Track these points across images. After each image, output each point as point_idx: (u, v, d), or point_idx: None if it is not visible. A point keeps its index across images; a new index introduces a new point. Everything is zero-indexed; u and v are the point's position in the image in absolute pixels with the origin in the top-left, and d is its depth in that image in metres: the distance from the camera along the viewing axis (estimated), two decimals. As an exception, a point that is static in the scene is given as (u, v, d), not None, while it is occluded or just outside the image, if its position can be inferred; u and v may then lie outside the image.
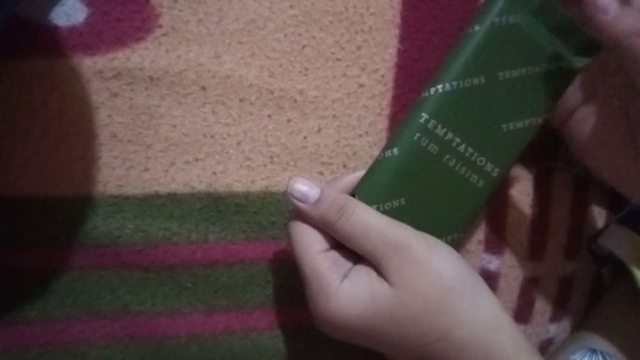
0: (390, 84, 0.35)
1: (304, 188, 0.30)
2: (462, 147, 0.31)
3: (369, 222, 0.29)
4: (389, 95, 0.35)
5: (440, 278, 0.28)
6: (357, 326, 0.28)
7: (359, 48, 0.34)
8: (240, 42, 0.32)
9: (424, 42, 0.35)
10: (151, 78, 0.31)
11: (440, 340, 0.28)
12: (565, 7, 0.31)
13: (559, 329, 0.41)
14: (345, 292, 0.28)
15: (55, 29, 0.30)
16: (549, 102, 0.32)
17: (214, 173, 0.33)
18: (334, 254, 0.30)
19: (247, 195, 0.34)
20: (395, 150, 0.31)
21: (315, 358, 0.36)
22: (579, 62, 0.32)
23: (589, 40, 0.31)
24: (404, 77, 0.35)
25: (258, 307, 0.35)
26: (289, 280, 0.35)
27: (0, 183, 0.31)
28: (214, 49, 0.32)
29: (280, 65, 0.33)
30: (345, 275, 0.29)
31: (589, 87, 0.33)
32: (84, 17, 0.30)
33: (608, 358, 0.36)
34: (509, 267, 0.39)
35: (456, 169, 0.31)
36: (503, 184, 0.35)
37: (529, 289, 0.39)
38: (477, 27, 0.31)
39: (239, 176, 0.33)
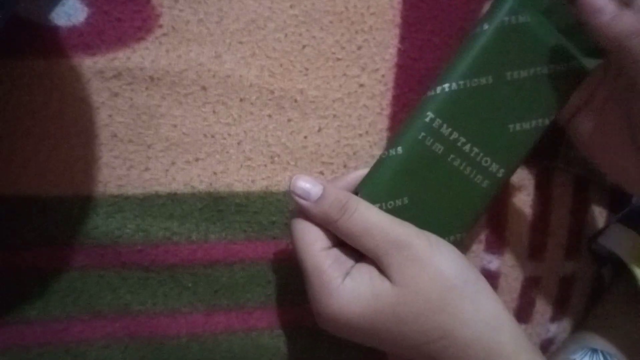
0: (391, 84, 0.35)
1: (307, 185, 0.29)
2: (467, 147, 0.31)
3: (371, 220, 0.29)
4: (389, 95, 0.35)
5: (442, 276, 0.28)
6: (358, 324, 0.28)
7: (359, 48, 0.34)
8: (240, 42, 0.32)
9: (424, 42, 0.35)
10: (152, 78, 0.32)
11: (442, 339, 0.28)
12: (574, 7, 0.31)
13: (559, 329, 0.41)
14: (347, 289, 0.28)
15: (55, 29, 0.30)
16: (556, 103, 0.32)
17: (215, 173, 0.33)
18: (336, 252, 0.30)
19: (247, 195, 0.34)
20: (399, 148, 0.30)
21: (316, 358, 0.36)
22: (589, 63, 0.31)
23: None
24: (405, 76, 0.35)
25: (258, 307, 0.35)
26: (289, 280, 0.35)
27: (1, 183, 0.31)
28: (215, 48, 0.32)
29: (281, 65, 0.33)
30: (347, 273, 0.29)
31: (592, 87, 0.33)
32: (85, 17, 0.30)
33: (609, 358, 0.36)
34: (509, 266, 0.39)
35: (461, 168, 0.31)
36: (504, 184, 0.35)
37: (530, 288, 0.39)
38: (485, 26, 0.30)
39: (239, 176, 0.33)
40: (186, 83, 0.32)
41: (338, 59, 0.34)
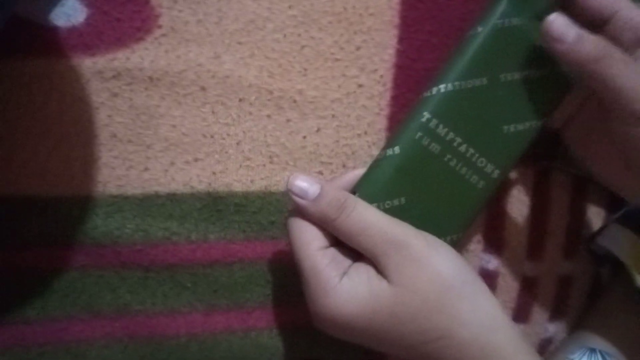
0: (389, 84, 0.35)
1: (304, 184, 0.29)
2: (463, 148, 0.31)
3: (368, 219, 0.29)
4: (387, 96, 0.35)
5: (440, 276, 0.28)
6: (355, 324, 0.28)
7: (358, 48, 0.34)
8: (239, 43, 0.33)
9: (423, 43, 0.35)
10: (151, 78, 0.32)
11: (439, 339, 0.28)
12: (567, 11, 0.31)
13: (557, 329, 0.41)
14: (344, 289, 0.28)
15: (55, 29, 0.30)
16: (550, 105, 0.32)
17: (214, 173, 0.33)
18: (333, 251, 0.30)
19: (246, 195, 0.34)
20: (396, 148, 0.31)
21: (315, 357, 0.36)
22: None
23: None
24: (403, 77, 0.35)
25: (257, 307, 0.35)
26: (288, 280, 0.35)
27: (0, 183, 0.31)
28: (214, 49, 0.32)
29: (280, 66, 0.33)
30: (345, 273, 0.29)
31: (584, 95, 0.34)
32: (84, 18, 0.30)
33: (607, 357, 0.36)
34: (507, 266, 0.39)
35: (457, 169, 0.31)
36: (502, 184, 0.35)
37: (528, 288, 0.40)
38: (479, 29, 0.31)
39: (238, 176, 0.34)
40: (185, 83, 0.32)
41: (337, 60, 0.34)
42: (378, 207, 0.30)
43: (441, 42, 0.35)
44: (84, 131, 0.31)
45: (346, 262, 0.30)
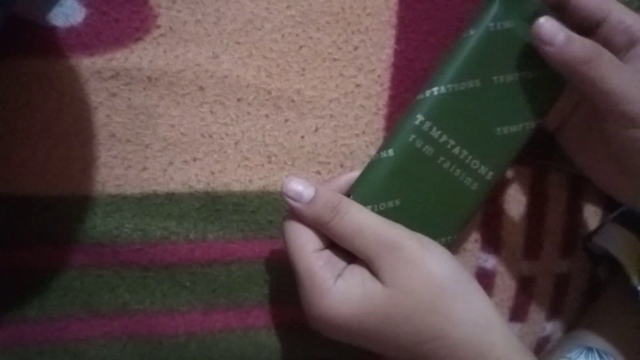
0: (387, 84, 0.35)
1: (299, 187, 0.29)
2: (456, 150, 0.31)
3: (362, 221, 0.29)
4: (385, 95, 0.35)
5: (434, 278, 0.28)
6: (350, 325, 0.28)
7: (355, 48, 0.34)
8: (237, 43, 0.33)
9: (420, 43, 0.35)
10: (149, 78, 0.32)
11: (434, 340, 0.28)
12: (559, 15, 0.31)
13: (555, 327, 0.41)
14: (338, 291, 0.28)
15: (53, 29, 0.30)
16: (543, 107, 0.32)
17: (212, 172, 0.33)
18: (328, 254, 0.30)
19: (245, 195, 0.34)
20: (390, 151, 0.31)
21: (313, 356, 0.36)
22: None
23: None
24: (401, 77, 0.35)
25: (256, 306, 0.35)
26: (286, 279, 0.35)
27: (0, 182, 0.31)
28: (212, 49, 0.32)
29: (278, 66, 0.33)
30: (339, 275, 0.29)
31: (576, 98, 0.34)
32: (83, 18, 0.30)
33: (604, 356, 0.36)
34: (505, 265, 0.39)
35: (450, 171, 0.31)
36: (499, 183, 0.36)
37: (525, 287, 0.40)
38: (472, 32, 0.31)
39: (236, 175, 0.34)
40: (184, 83, 0.32)
41: (335, 60, 0.34)
42: (373, 208, 0.31)
43: (439, 42, 0.35)
44: (82, 131, 0.31)
45: (341, 264, 0.30)
